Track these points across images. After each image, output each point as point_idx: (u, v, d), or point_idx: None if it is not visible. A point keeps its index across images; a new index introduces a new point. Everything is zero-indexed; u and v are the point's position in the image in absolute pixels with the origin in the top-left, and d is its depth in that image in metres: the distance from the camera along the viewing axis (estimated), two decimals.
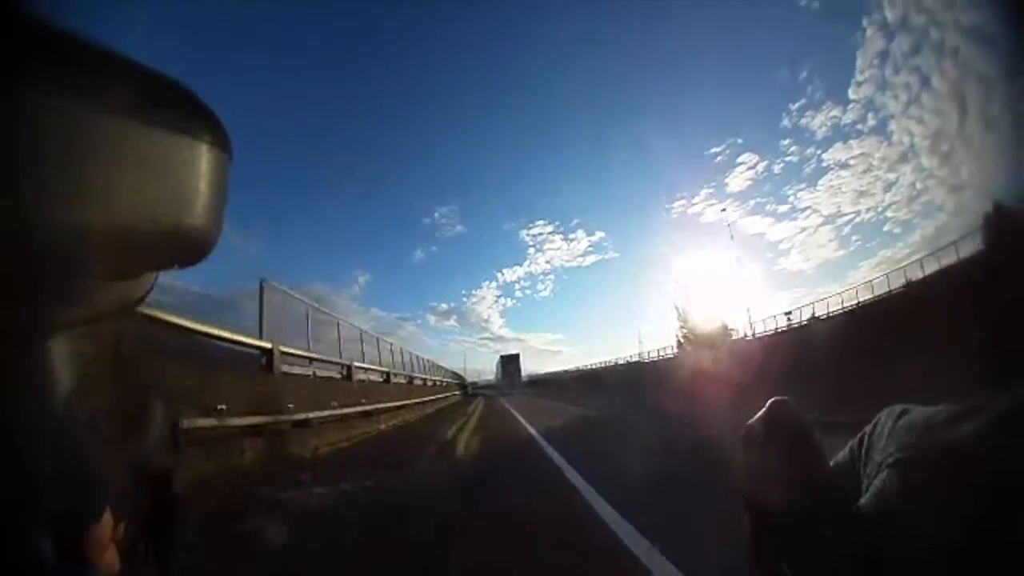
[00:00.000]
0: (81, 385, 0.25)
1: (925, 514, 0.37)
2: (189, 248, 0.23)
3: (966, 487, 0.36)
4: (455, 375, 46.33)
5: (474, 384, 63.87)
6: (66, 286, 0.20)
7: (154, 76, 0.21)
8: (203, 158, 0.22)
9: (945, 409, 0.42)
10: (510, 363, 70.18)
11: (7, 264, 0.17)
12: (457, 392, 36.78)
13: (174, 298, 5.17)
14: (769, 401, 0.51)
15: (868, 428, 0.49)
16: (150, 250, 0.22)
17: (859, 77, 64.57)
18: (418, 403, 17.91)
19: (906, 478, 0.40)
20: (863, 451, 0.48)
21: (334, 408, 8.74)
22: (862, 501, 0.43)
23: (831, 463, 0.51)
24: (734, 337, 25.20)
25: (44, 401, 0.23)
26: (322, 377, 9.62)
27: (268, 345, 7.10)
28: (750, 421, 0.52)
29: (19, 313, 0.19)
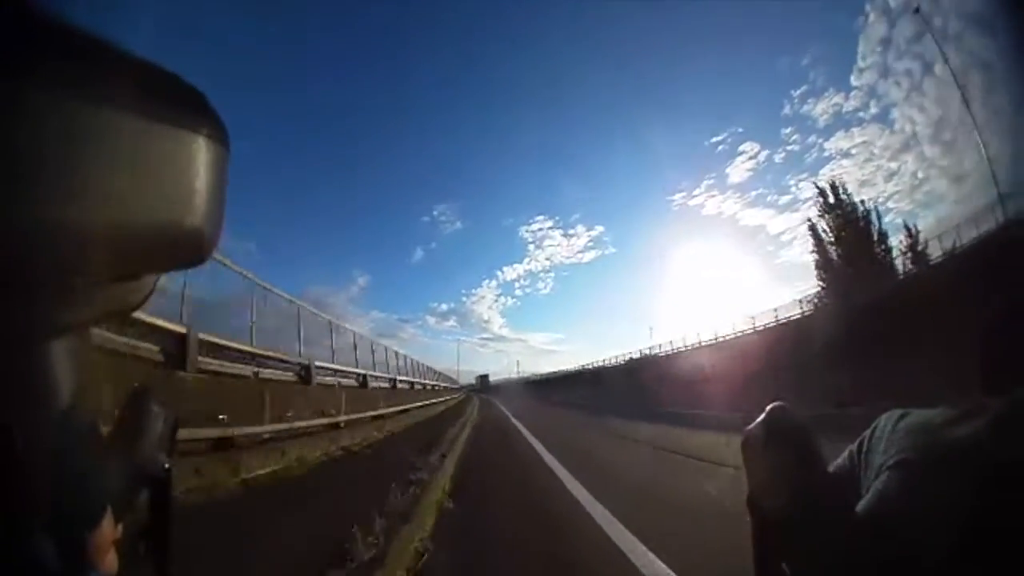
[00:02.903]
0: (81, 385, 0.25)
1: (925, 516, 0.37)
2: (189, 248, 0.22)
3: (966, 489, 0.36)
4: (453, 381, 62.32)
5: (470, 386, 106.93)
6: (64, 286, 0.19)
7: (149, 68, 0.20)
8: (201, 152, 0.21)
9: (944, 412, 0.42)
10: (484, 379, 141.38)
11: (3, 263, 0.17)
12: (458, 394, 52.13)
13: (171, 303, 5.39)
14: (768, 406, 0.50)
15: (867, 432, 0.49)
16: (149, 249, 0.21)
17: (861, 63, 62.29)
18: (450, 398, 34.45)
19: (906, 480, 0.40)
20: (862, 455, 0.48)
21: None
22: (862, 504, 0.42)
23: (831, 467, 0.51)
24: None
25: (44, 402, 0.23)
26: (345, 386, 10.60)
27: (306, 361, 8.78)
28: (749, 426, 0.52)
29: (18, 314, 0.19)
